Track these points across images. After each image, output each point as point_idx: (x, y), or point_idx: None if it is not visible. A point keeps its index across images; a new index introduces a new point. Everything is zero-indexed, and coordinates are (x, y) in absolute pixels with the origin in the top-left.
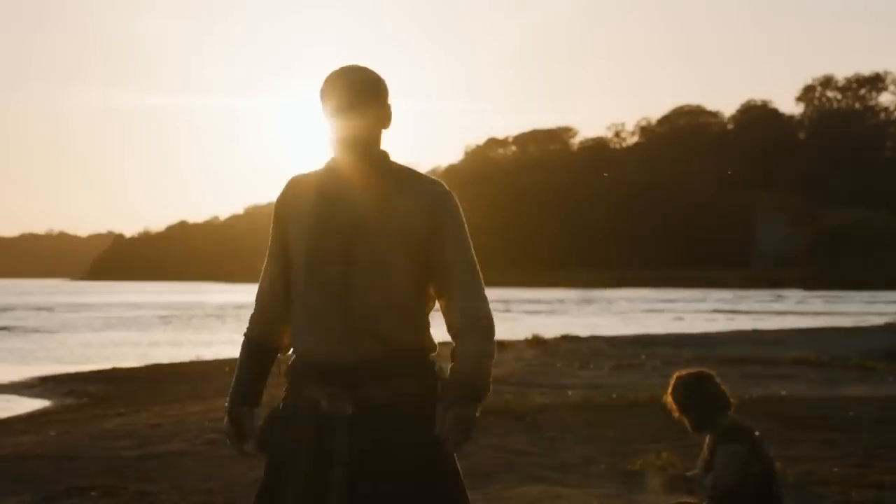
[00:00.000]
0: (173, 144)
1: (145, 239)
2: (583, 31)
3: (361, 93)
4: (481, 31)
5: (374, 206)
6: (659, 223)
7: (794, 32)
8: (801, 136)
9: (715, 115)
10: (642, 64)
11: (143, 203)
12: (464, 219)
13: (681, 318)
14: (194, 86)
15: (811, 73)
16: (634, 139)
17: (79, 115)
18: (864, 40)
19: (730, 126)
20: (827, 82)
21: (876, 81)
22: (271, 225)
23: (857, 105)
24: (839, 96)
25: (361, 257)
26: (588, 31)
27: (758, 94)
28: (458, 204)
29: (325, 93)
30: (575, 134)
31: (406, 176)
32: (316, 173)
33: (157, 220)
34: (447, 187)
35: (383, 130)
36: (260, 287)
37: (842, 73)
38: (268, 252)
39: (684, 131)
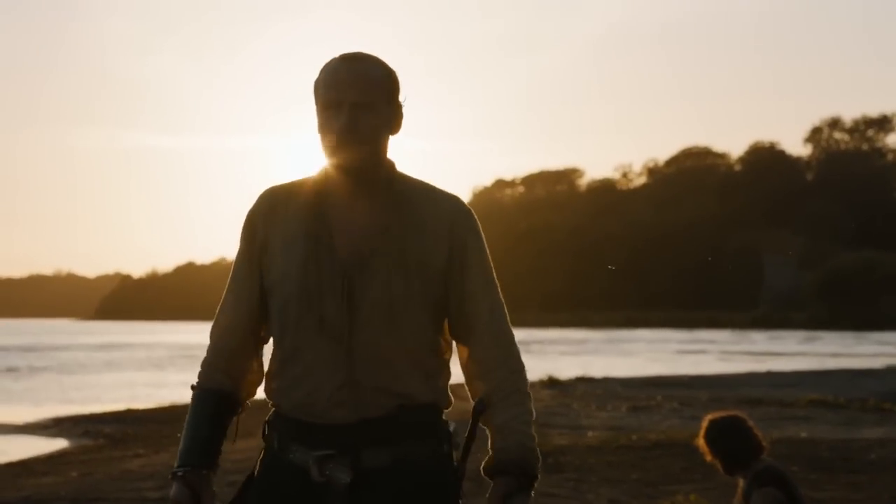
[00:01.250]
0: (181, 184)
1: (153, 279)
2: (589, 71)
3: (368, 90)
4: (488, 72)
5: (382, 229)
6: (666, 263)
7: (800, 73)
8: (809, 177)
9: (722, 156)
10: (649, 104)
11: (151, 243)
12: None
13: (692, 359)
14: (202, 126)
15: (818, 114)
16: (642, 180)
17: (86, 155)
18: (871, 81)
19: (737, 167)
20: (834, 123)
21: (883, 123)
22: (240, 242)
23: (865, 146)
24: (847, 137)
25: (367, 294)
26: (594, 72)
27: (765, 135)
28: (480, 225)
29: (322, 84)
30: (582, 175)
31: (419, 191)
32: (304, 185)
33: (164, 261)
34: (467, 204)
35: (391, 136)
36: (218, 322)
37: (849, 113)
38: (231, 276)
39: (692, 172)
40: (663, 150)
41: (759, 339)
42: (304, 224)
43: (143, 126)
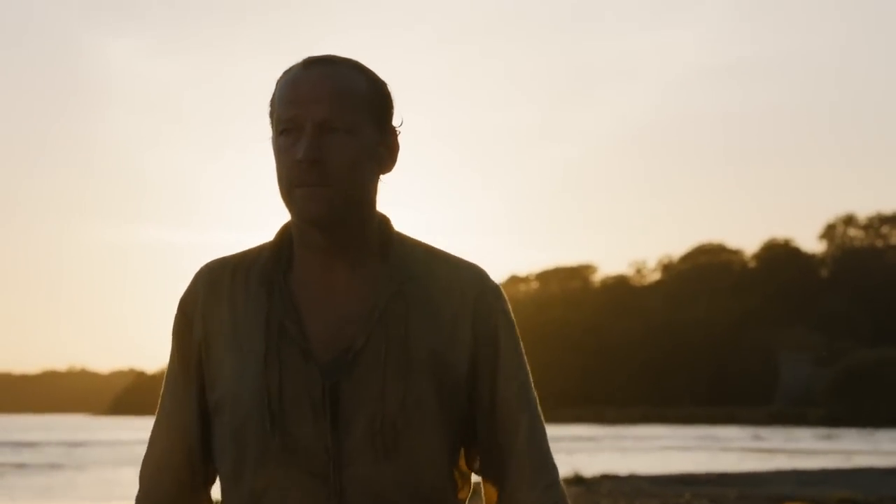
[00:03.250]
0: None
1: None
2: (602, 167)
3: (343, 105)
4: (501, 168)
5: (375, 314)
6: (682, 360)
7: (814, 170)
8: (824, 273)
9: (737, 252)
10: (663, 200)
11: (166, 339)
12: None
13: (714, 456)
14: (218, 221)
15: (833, 210)
16: (656, 276)
17: (100, 249)
18: (884, 178)
19: (752, 263)
20: (849, 220)
21: None
22: (172, 343)
23: (880, 243)
24: (861, 234)
25: (358, 409)
26: (607, 168)
27: (779, 231)
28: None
29: (277, 100)
30: (596, 270)
31: (426, 260)
32: (259, 256)
33: None
34: (492, 279)
35: (381, 177)
36: (148, 457)
37: (863, 210)
38: (163, 392)
39: (706, 268)
40: (678, 246)
41: (777, 436)
42: (261, 311)
43: (157, 220)
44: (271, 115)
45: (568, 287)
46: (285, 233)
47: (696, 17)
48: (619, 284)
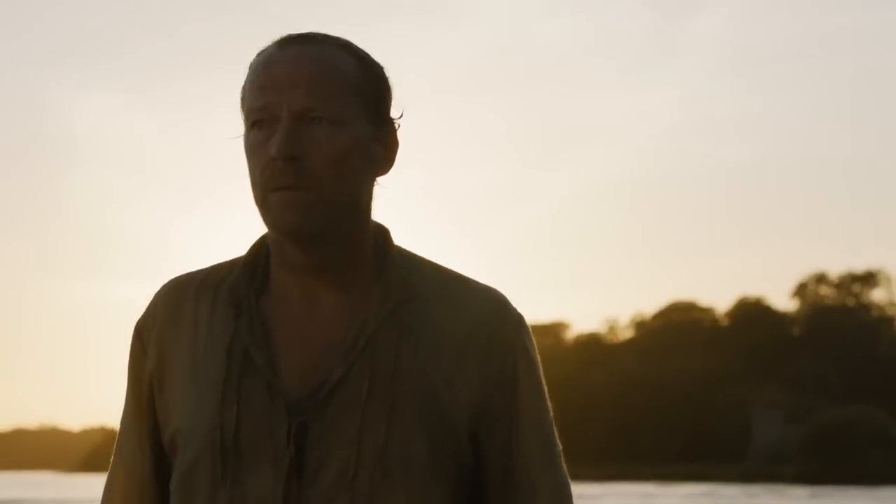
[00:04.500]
0: None
1: None
2: (574, 225)
3: (326, 89)
4: (472, 227)
5: (361, 343)
6: (653, 418)
7: (786, 228)
8: (796, 331)
9: (708, 310)
10: (635, 258)
11: None
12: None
13: None
14: None
15: (804, 268)
16: (629, 333)
17: (69, 307)
18: (855, 236)
19: (724, 321)
20: (820, 278)
21: (868, 278)
22: (127, 373)
23: (851, 301)
24: (833, 292)
25: (327, 456)
26: (580, 226)
27: (751, 289)
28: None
29: (248, 87)
30: (569, 328)
31: (432, 280)
32: (229, 272)
33: None
34: (514, 307)
35: (378, 179)
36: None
37: (835, 268)
38: (118, 433)
39: (678, 326)
40: (650, 304)
41: (754, 494)
42: (225, 335)
43: (128, 277)
44: (242, 106)
45: (541, 344)
46: (261, 246)
47: (667, 77)
48: (591, 341)
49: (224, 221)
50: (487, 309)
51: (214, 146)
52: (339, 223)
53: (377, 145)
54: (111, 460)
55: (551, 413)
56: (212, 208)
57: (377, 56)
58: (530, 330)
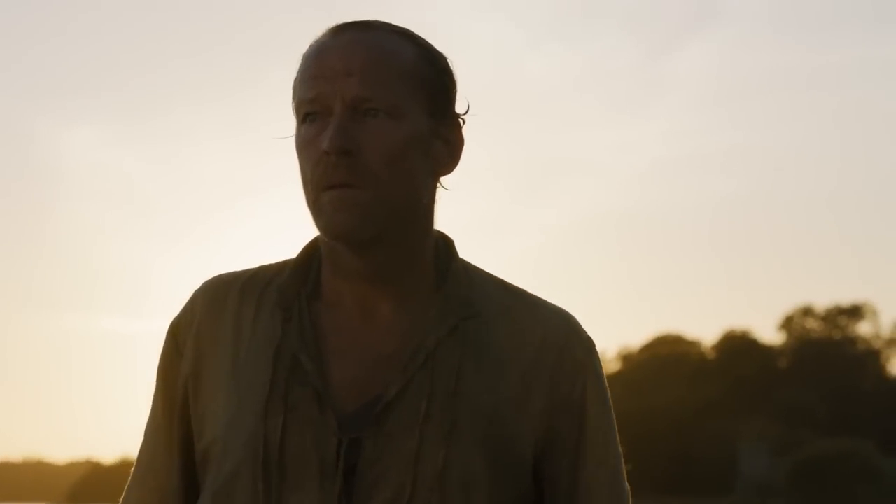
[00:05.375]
0: (152, 369)
1: (124, 466)
2: (560, 258)
3: (383, 79)
4: None
5: (419, 358)
6: (641, 451)
7: (772, 261)
8: (782, 364)
9: (695, 343)
10: (622, 291)
11: (122, 429)
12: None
13: None
14: (173, 311)
15: (791, 301)
16: (615, 366)
17: (55, 340)
18: (842, 270)
19: (710, 355)
20: (807, 311)
21: (854, 311)
22: (156, 377)
23: (837, 334)
24: (819, 325)
25: (381, 478)
26: (565, 259)
27: (737, 322)
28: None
29: (300, 78)
30: None
31: (499, 297)
32: (279, 275)
33: (136, 447)
34: (583, 328)
35: (442, 179)
36: None
37: (821, 301)
38: (143, 440)
39: (664, 359)
40: (636, 337)
41: None
42: (272, 339)
43: (114, 310)
44: (293, 99)
45: None
46: (313, 248)
47: (653, 111)
48: None
49: (212, 255)
50: (556, 330)
51: (202, 180)
52: (398, 226)
53: (439, 141)
54: (130, 473)
55: (620, 446)
56: (199, 242)
57: None
58: (600, 355)
